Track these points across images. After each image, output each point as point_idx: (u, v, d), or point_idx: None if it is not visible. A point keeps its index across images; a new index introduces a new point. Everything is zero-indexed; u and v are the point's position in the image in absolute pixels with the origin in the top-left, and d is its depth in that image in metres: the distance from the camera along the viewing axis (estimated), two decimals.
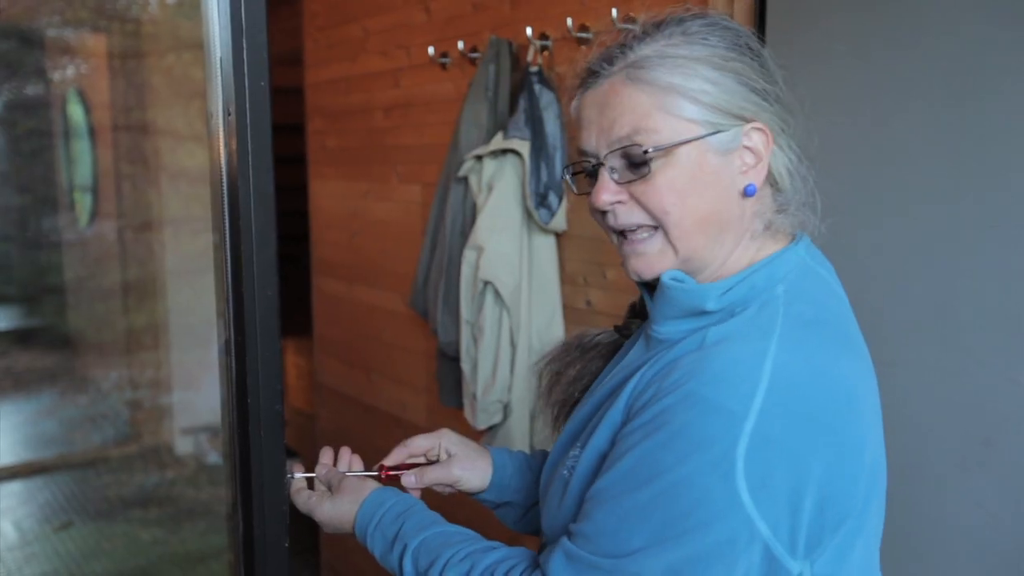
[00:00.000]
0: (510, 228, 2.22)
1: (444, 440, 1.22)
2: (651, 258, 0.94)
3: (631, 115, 0.90)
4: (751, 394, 0.82)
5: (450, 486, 1.22)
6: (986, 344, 1.49)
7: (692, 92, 0.90)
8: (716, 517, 0.81)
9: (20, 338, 4.79)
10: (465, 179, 2.36)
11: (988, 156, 1.47)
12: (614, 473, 0.87)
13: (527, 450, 2.29)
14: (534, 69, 2.20)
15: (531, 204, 2.16)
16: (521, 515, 1.26)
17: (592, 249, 2.21)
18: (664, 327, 0.95)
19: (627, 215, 0.93)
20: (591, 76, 0.95)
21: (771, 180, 0.95)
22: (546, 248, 2.25)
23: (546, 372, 1.17)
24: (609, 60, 0.93)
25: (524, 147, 2.16)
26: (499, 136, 2.25)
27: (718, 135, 0.90)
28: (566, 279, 2.28)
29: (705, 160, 0.91)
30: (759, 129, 0.92)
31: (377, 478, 1.21)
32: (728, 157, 0.92)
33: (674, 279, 0.93)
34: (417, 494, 1.20)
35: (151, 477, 4.18)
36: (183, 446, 4.22)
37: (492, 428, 2.33)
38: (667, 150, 0.90)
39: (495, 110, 2.32)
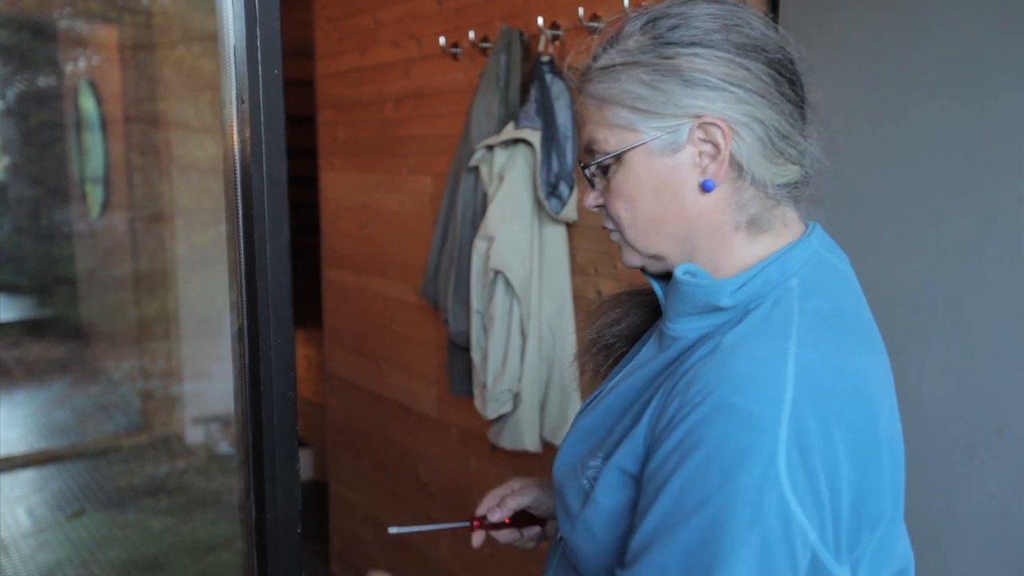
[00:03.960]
0: (521, 218, 2.22)
1: (518, 480, 1.24)
2: (623, 252, 0.99)
3: (588, 126, 0.95)
4: (780, 399, 0.80)
5: (532, 522, 1.21)
6: (998, 334, 1.49)
7: (627, 100, 0.90)
8: (774, 532, 0.79)
9: (32, 328, 4.82)
10: (476, 169, 2.36)
11: (999, 150, 1.46)
12: (661, 506, 0.83)
13: (537, 439, 2.30)
14: (545, 59, 2.20)
15: (542, 194, 2.16)
16: None
17: (602, 239, 2.20)
18: (678, 324, 0.94)
19: (606, 219, 0.98)
20: (571, 87, 0.98)
21: (738, 170, 0.91)
22: (557, 238, 2.26)
23: (596, 320, 1.15)
24: (581, 73, 0.97)
25: (535, 137, 2.16)
26: (510, 126, 2.25)
27: (660, 138, 0.90)
28: (576, 269, 2.28)
29: (651, 164, 0.91)
30: (711, 123, 0.88)
31: (469, 528, 1.20)
32: (678, 156, 0.90)
33: (687, 273, 0.92)
34: (506, 538, 1.20)
35: (162, 466, 4.20)
36: (194, 436, 4.25)
37: (501, 418, 2.34)
38: (616, 157, 0.93)
39: (506, 100, 2.32)
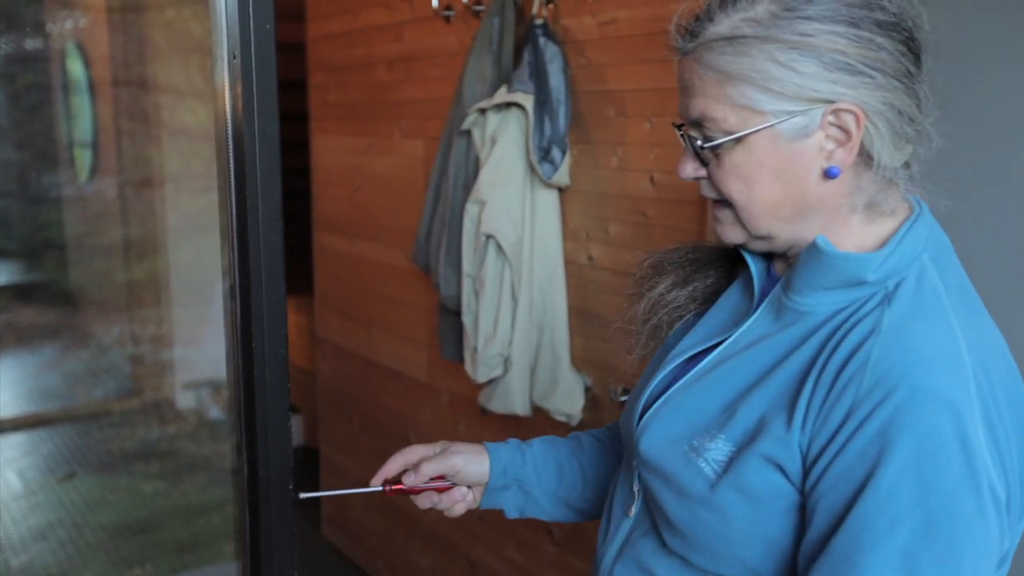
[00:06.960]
0: (513, 182, 2.22)
1: (440, 444, 1.19)
2: (726, 227, 0.93)
3: (700, 99, 0.87)
4: (967, 380, 0.79)
5: (453, 483, 1.16)
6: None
7: (758, 79, 0.83)
8: (991, 518, 0.78)
9: (21, 293, 4.80)
10: (468, 133, 2.35)
11: (994, 145, 1.48)
12: (868, 504, 0.78)
13: (527, 403, 2.31)
14: (539, 22, 2.18)
15: (534, 158, 2.16)
16: (545, 496, 1.20)
17: (594, 204, 2.20)
18: (809, 298, 0.88)
19: (706, 189, 0.93)
20: (676, 48, 0.90)
21: (864, 156, 0.86)
22: (548, 203, 2.25)
23: (648, 284, 1.08)
24: (690, 33, 0.88)
25: (528, 101, 2.15)
26: (503, 90, 2.24)
27: (791, 121, 0.84)
28: (568, 234, 2.28)
29: (776, 148, 0.86)
30: (846, 110, 0.83)
31: (382, 493, 1.18)
32: (806, 142, 0.85)
33: (828, 243, 0.86)
34: (424, 502, 1.17)
35: (153, 431, 4.21)
36: (184, 401, 4.25)
37: (492, 382, 2.35)
38: (736, 138, 0.86)
39: (499, 64, 2.31)
